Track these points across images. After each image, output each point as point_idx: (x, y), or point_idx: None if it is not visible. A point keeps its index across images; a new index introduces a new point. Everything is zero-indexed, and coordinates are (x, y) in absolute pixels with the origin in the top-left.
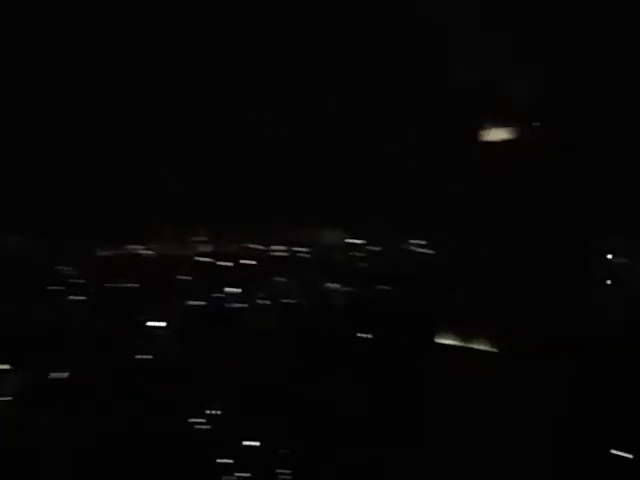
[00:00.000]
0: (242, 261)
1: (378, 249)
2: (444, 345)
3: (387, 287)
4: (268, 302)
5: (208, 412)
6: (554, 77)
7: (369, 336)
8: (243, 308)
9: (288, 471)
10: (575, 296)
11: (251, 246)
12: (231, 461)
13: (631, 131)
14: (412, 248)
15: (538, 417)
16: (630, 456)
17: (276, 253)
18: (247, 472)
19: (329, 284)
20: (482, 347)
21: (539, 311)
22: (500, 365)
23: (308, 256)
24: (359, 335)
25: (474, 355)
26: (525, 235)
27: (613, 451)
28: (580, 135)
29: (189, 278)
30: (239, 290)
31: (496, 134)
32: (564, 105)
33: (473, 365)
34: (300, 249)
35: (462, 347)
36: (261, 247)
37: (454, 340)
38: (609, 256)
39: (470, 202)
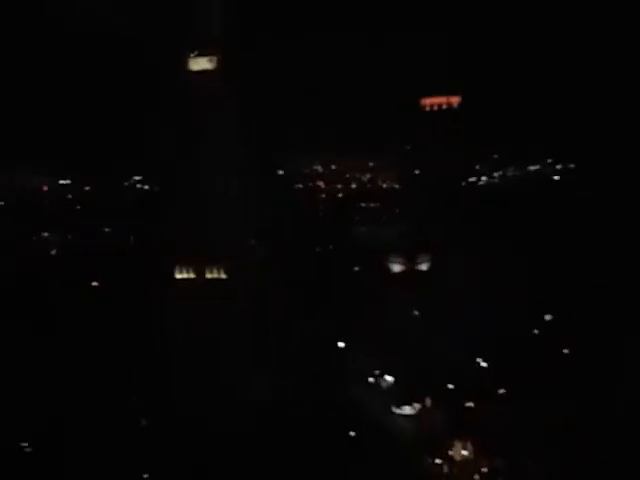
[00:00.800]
0: None
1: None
2: (180, 279)
3: (109, 229)
4: None
5: None
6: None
7: (97, 283)
8: None
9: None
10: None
11: None
12: None
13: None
14: (132, 184)
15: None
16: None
17: None
18: None
19: (42, 234)
20: (212, 276)
21: (255, 237)
22: (228, 289)
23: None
24: (89, 284)
25: (206, 284)
26: (228, 166)
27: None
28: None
29: None
30: None
31: (196, 64)
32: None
33: (206, 292)
34: None
35: (195, 278)
36: None
37: (187, 273)
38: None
39: (177, 132)
